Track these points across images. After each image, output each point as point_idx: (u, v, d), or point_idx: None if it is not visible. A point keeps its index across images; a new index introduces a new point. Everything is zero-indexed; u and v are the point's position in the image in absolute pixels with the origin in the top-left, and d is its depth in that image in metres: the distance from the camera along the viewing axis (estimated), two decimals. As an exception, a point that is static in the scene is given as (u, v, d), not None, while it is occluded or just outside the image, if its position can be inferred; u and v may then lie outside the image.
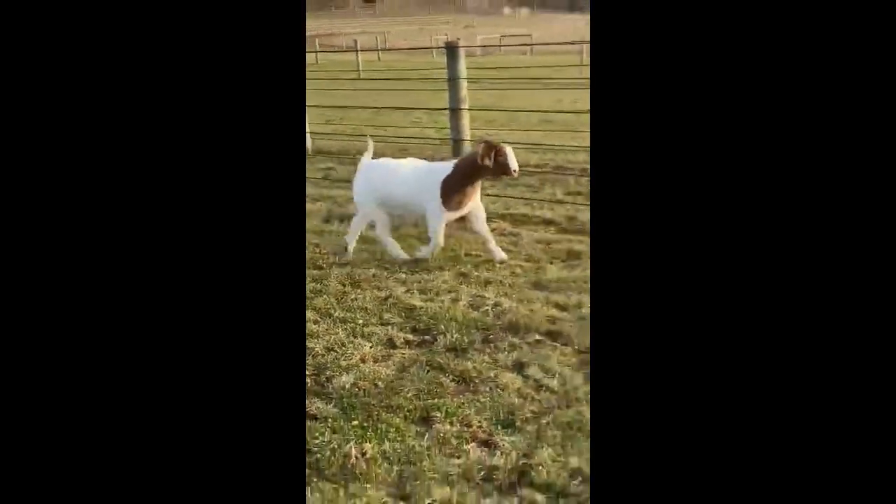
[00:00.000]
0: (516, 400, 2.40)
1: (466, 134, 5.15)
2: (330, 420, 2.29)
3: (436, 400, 2.41)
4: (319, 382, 2.56)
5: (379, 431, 2.22)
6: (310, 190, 5.30)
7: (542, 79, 11.49)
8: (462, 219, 3.91)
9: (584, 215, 4.73)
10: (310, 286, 3.52)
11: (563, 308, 3.20)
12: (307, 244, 4.18)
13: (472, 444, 2.15)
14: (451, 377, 2.58)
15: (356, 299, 3.37)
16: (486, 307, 3.24)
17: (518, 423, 2.25)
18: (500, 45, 27.78)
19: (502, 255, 3.84)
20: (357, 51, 20.41)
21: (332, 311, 3.22)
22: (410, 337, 2.97)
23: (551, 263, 3.81)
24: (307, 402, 2.38)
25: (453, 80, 5.04)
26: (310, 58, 18.57)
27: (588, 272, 3.61)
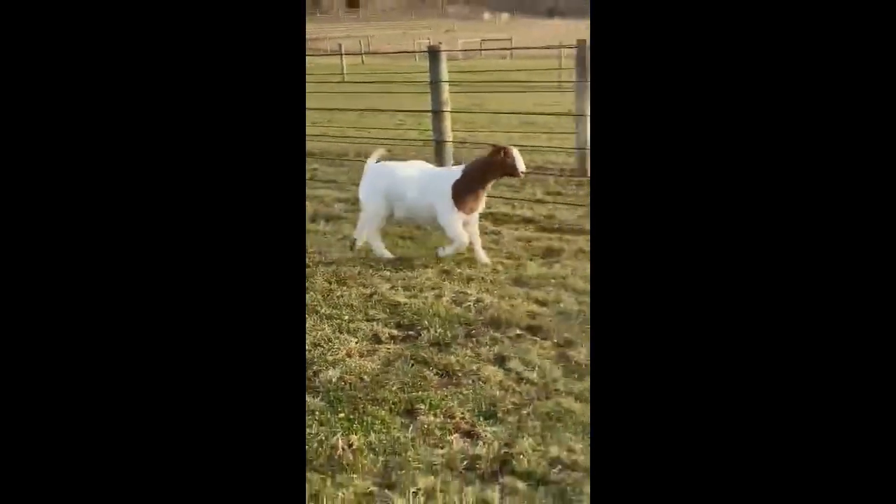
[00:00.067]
0: (498, 392, 2.42)
1: (448, 135, 5.16)
2: (317, 413, 2.30)
3: (420, 393, 2.42)
4: (307, 377, 2.57)
5: (365, 423, 2.23)
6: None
7: (522, 82, 11.51)
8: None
9: (563, 214, 4.77)
10: (296, 284, 3.52)
11: (542, 303, 3.23)
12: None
13: (456, 435, 2.17)
14: (434, 371, 2.60)
15: (342, 296, 3.38)
16: (469, 303, 3.26)
17: (499, 414, 2.28)
18: (480, 49, 27.78)
19: (486, 259, 3.83)
20: (341, 54, 20.34)
21: (319, 308, 3.22)
22: (395, 332, 2.98)
23: (531, 261, 3.84)
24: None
25: (435, 84, 5.05)
26: (295, 61, 18.38)
27: (567, 269, 3.65)
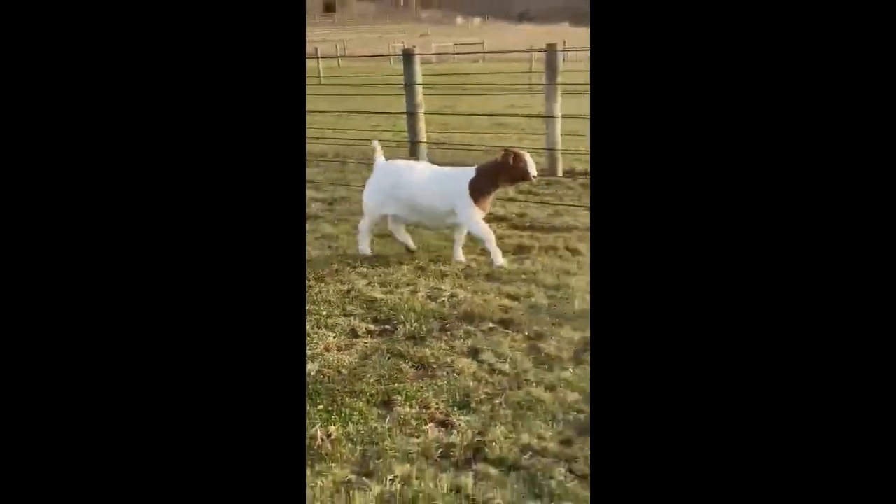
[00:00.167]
0: (471, 383, 2.44)
1: (423, 136, 5.18)
2: (296, 405, 2.30)
3: (396, 385, 2.43)
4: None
5: (343, 415, 2.24)
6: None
7: (494, 84, 11.54)
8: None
9: (534, 212, 4.81)
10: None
11: (514, 298, 3.26)
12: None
13: (431, 425, 2.19)
14: (410, 363, 2.61)
15: (320, 293, 3.37)
16: (443, 298, 3.28)
17: (473, 404, 2.30)
18: (454, 53, 27.80)
19: (462, 258, 3.83)
20: (318, 58, 20.22)
21: (298, 304, 3.22)
22: (372, 327, 2.99)
23: (503, 257, 3.87)
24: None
25: (410, 86, 5.06)
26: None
27: (537, 266, 3.69)
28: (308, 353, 2.70)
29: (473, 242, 4.13)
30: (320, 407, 2.28)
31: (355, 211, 5.05)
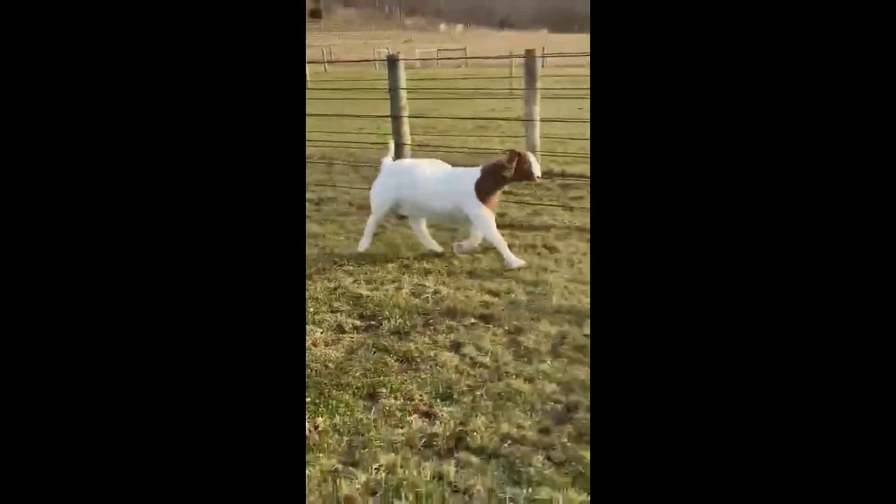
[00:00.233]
0: (453, 375, 2.46)
1: (407, 139, 5.18)
2: (285, 398, 2.30)
3: (381, 378, 2.44)
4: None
5: (330, 407, 2.25)
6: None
7: (475, 89, 11.57)
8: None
9: (513, 212, 4.83)
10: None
11: (495, 294, 3.28)
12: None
13: (415, 416, 2.20)
14: (395, 357, 2.62)
15: (308, 290, 3.37)
16: (427, 294, 3.29)
17: (455, 396, 2.31)
18: (437, 59, 27.79)
19: (469, 249, 3.81)
20: (305, 63, 20.12)
21: (286, 301, 3.21)
22: (358, 322, 2.99)
23: (484, 255, 3.88)
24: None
25: (394, 90, 5.06)
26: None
27: (502, 257, 3.70)
28: (296, 348, 2.69)
29: (453, 240, 4.15)
30: (308, 400, 2.29)
31: (341, 211, 5.05)
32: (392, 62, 5.13)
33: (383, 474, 1.87)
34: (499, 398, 2.28)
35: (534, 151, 5.54)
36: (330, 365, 2.56)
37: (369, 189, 5.33)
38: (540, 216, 4.75)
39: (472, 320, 2.96)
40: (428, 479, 1.85)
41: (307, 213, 4.95)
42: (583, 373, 2.45)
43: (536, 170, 3.59)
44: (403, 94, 5.10)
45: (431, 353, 2.64)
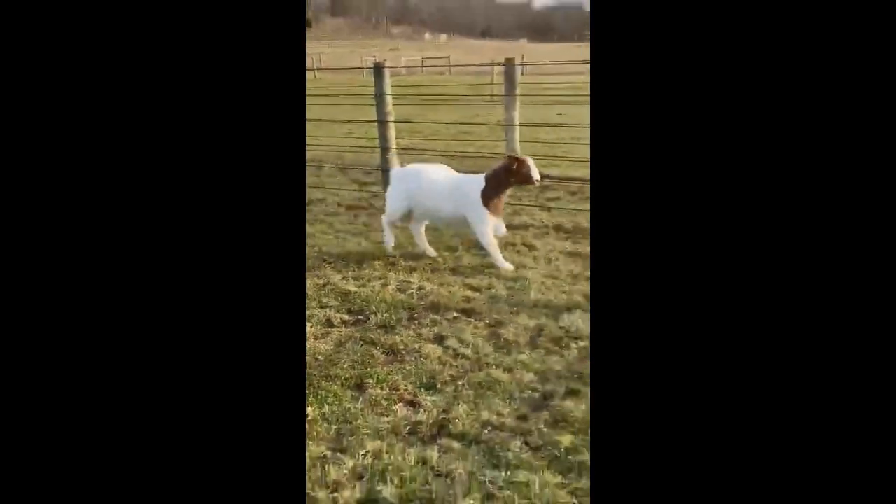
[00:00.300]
0: (437, 366, 2.47)
1: (392, 143, 5.18)
2: (276, 389, 2.30)
3: (368, 369, 2.45)
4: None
5: (319, 397, 2.25)
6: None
7: (458, 95, 11.58)
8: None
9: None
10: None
11: (476, 289, 3.29)
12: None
13: (400, 405, 2.21)
14: (381, 350, 2.63)
15: (298, 286, 3.36)
16: (412, 290, 3.30)
17: (438, 385, 2.33)
18: (422, 67, 27.74)
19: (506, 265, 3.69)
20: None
21: (277, 297, 3.20)
22: (346, 317, 2.99)
23: (466, 252, 3.90)
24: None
25: (380, 96, 5.05)
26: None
27: (492, 259, 3.72)
28: (287, 341, 2.69)
29: (436, 240, 4.16)
30: (298, 390, 2.29)
31: (330, 212, 5.04)
32: (378, 70, 5.12)
33: (370, 460, 1.88)
34: (479, 387, 2.30)
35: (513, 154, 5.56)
36: (319, 357, 2.56)
37: (357, 191, 5.33)
38: (519, 216, 4.78)
39: (455, 314, 2.98)
40: (412, 463, 1.86)
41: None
42: (559, 363, 2.48)
43: (535, 174, 3.53)
44: (389, 99, 5.10)
45: (416, 346, 2.65)
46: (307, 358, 2.54)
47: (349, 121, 7.21)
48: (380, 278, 3.48)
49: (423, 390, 2.30)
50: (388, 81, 5.09)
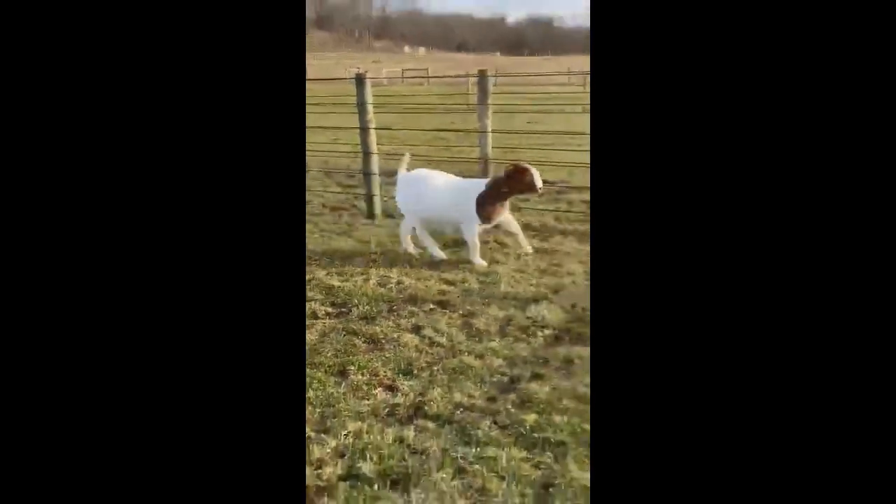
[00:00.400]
0: (414, 354, 2.50)
1: (374, 148, 5.18)
2: (264, 376, 2.30)
3: (350, 357, 2.47)
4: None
5: (305, 383, 2.26)
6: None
7: (437, 104, 11.59)
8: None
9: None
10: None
11: (451, 283, 3.32)
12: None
13: (379, 389, 2.23)
14: (362, 339, 2.65)
15: (285, 282, 3.36)
16: (391, 284, 3.32)
17: (415, 371, 2.35)
18: (402, 78, 27.70)
19: (529, 248, 3.73)
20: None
21: (265, 292, 3.20)
22: (330, 309, 3.01)
23: (442, 249, 3.92)
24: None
25: (362, 105, 5.06)
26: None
27: (469, 255, 3.76)
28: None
29: (414, 239, 4.19)
30: (285, 377, 2.30)
31: (315, 212, 5.04)
32: (360, 80, 5.12)
33: (351, 440, 1.90)
34: (453, 372, 2.33)
35: (487, 160, 5.60)
36: (305, 346, 2.57)
37: (341, 193, 5.33)
38: (491, 216, 4.81)
39: (431, 306, 3.00)
40: (390, 442, 1.88)
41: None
42: (525, 349, 2.52)
43: (538, 182, 3.46)
44: (370, 108, 5.10)
45: (395, 335, 2.67)
46: (293, 347, 2.55)
47: (333, 128, 7.19)
48: (361, 274, 3.49)
49: (401, 376, 2.32)
50: (369, 91, 5.10)
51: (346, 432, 1.94)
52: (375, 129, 5.17)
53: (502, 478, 1.71)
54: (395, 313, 2.92)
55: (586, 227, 4.48)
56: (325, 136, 9.31)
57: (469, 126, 8.32)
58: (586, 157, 5.33)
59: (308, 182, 6.23)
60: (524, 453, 1.82)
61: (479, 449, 1.84)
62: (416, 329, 2.74)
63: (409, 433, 1.93)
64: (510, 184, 3.49)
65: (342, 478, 1.74)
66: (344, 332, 2.71)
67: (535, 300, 3.04)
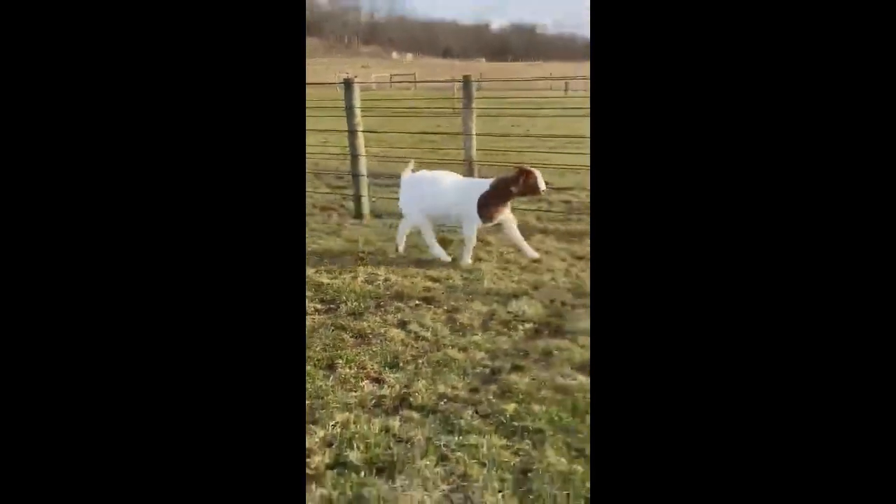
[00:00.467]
0: (400, 347, 2.51)
1: (361, 151, 5.18)
2: (255, 370, 2.30)
3: (338, 351, 2.47)
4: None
5: (294, 376, 2.26)
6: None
7: (423, 108, 11.59)
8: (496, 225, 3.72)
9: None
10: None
11: (436, 280, 3.34)
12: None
13: (366, 381, 2.24)
14: (350, 334, 2.65)
15: (276, 279, 3.35)
16: (378, 282, 3.32)
17: (401, 364, 2.36)
18: (390, 82, 27.64)
19: (534, 254, 3.64)
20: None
21: (256, 289, 3.19)
22: (319, 306, 3.01)
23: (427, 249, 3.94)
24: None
25: (350, 109, 5.05)
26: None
27: (454, 254, 3.77)
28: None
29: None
30: (275, 370, 2.30)
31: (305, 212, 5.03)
32: (348, 84, 5.11)
33: (339, 429, 1.91)
34: (437, 365, 2.34)
35: (471, 161, 5.62)
36: (294, 341, 2.57)
37: (330, 193, 5.33)
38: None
39: (417, 302, 3.01)
40: (376, 432, 1.89)
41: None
42: (506, 343, 2.54)
43: (541, 184, 3.40)
44: (358, 111, 5.10)
45: (381, 330, 2.68)
46: (284, 342, 2.55)
47: (323, 130, 7.18)
48: (350, 271, 3.50)
49: (387, 369, 2.33)
50: (357, 95, 5.09)
51: (334, 423, 1.95)
52: (363, 131, 5.17)
53: (483, 464, 1.73)
54: (382, 309, 2.93)
55: (566, 226, 4.52)
56: (315, 139, 9.28)
57: (456, 129, 8.34)
58: (566, 159, 5.36)
59: (298, 183, 6.20)
60: (504, 441, 1.84)
61: (461, 437, 1.86)
62: (402, 324, 2.75)
63: (395, 423, 1.94)
64: (515, 185, 3.44)
65: (330, 466, 1.75)
66: (332, 328, 2.71)
67: (517, 296, 3.06)
